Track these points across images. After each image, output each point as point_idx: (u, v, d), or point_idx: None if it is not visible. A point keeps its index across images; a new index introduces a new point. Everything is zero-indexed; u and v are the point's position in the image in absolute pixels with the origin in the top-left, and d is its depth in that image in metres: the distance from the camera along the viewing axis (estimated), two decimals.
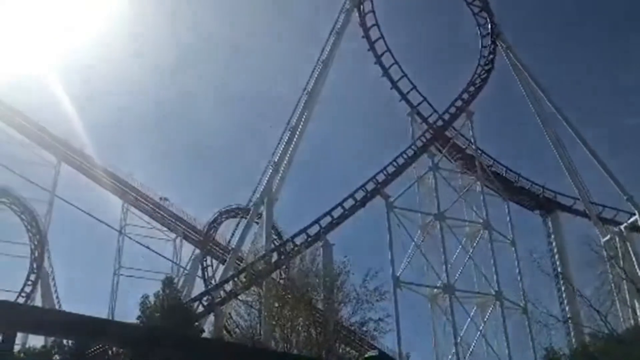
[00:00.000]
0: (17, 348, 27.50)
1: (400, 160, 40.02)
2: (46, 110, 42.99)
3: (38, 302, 39.38)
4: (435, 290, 37.99)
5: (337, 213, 36.33)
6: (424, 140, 41.66)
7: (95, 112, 62.99)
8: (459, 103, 44.06)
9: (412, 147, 41.04)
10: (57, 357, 27.55)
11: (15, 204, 41.65)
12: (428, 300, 38.56)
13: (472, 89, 44.91)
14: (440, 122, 43.06)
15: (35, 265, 40.42)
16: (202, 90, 71.33)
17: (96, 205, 44.08)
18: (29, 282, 39.92)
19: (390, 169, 39.28)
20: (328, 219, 35.89)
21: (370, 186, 38.04)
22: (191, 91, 70.56)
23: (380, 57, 43.49)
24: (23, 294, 39.29)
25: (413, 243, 38.13)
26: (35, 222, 41.52)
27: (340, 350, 29.40)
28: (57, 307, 39.44)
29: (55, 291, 40.61)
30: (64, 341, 26.21)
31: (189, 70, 72.20)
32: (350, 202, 36.99)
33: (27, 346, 28.88)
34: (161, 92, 69.92)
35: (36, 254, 40.77)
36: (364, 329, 28.03)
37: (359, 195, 37.48)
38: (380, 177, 38.62)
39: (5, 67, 44.05)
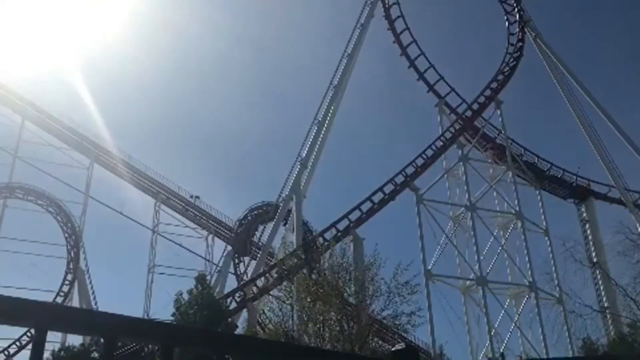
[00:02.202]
0: (56, 346, 28.23)
1: (429, 152, 39.66)
2: (75, 110, 43.84)
3: (75, 300, 40.30)
4: (468, 282, 37.63)
5: (366, 207, 36.21)
6: (453, 131, 41.17)
7: (124, 113, 64.11)
8: (487, 92, 43.42)
9: (441, 138, 40.61)
10: (96, 355, 28.15)
11: (51, 206, 42.63)
12: (461, 292, 38.21)
13: (500, 77, 44.22)
14: (469, 112, 42.50)
15: (71, 265, 41.33)
16: (229, 89, 71.86)
17: (129, 204, 45.02)
18: (67, 282, 40.85)
19: (419, 162, 38.94)
20: (357, 213, 35.80)
21: (399, 179, 37.79)
22: (218, 90, 71.15)
23: (405, 49, 43.13)
24: (61, 293, 40.23)
25: (444, 235, 37.82)
26: (71, 223, 42.45)
27: (374, 344, 29.30)
28: (93, 305, 40.26)
29: (92, 290, 41.42)
30: (102, 339, 26.77)
31: (215, 69, 72.78)
32: (379, 196, 36.81)
33: (66, 345, 29.60)
34: (188, 92, 70.69)
35: (72, 254, 41.69)
36: (397, 322, 27.89)
37: (388, 188, 37.26)
38: (409, 170, 38.31)
39: (31, 66, 45.17)
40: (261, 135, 74.44)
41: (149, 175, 45.65)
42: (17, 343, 36.21)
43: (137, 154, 46.80)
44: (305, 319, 27.67)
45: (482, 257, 37.44)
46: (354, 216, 35.54)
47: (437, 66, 43.23)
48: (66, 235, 42.45)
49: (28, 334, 35.53)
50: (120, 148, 45.14)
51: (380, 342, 30.97)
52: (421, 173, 38.90)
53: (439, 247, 37.24)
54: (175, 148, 66.86)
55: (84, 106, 42.38)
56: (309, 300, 28.16)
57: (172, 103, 70.35)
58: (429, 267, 35.18)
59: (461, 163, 40.12)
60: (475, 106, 42.81)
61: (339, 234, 34.08)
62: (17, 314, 1.73)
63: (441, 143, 40.39)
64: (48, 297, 39.21)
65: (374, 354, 26.03)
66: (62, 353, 28.74)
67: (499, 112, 43.31)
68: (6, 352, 35.96)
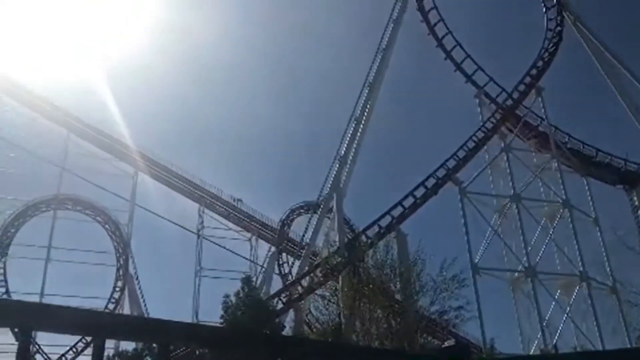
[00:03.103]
0: (111, 352, 28.95)
1: (471, 144, 39.01)
2: (106, 120, 44.74)
3: (126, 306, 41.26)
4: (517, 274, 36.88)
5: (408, 202, 35.90)
6: (494, 121, 40.41)
7: (162, 117, 65.27)
8: (527, 80, 42.49)
9: (482, 129, 39.93)
10: (148, 359, 28.73)
11: (99, 216, 43.76)
12: (509, 285, 37.46)
13: (540, 64, 43.20)
14: (509, 102, 41.66)
15: (121, 272, 42.33)
16: (263, 90, 72.31)
17: (173, 210, 45.84)
18: (117, 289, 41.86)
19: (461, 154, 38.36)
20: (399, 209, 35.53)
21: (441, 173, 37.32)
22: (251, 90, 71.73)
23: (441, 40, 42.61)
24: (112, 300, 41.25)
25: (490, 227, 37.19)
26: (119, 231, 43.49)
27: (422, 340, 29.06)
28: (144, 310, 41.13)
29: (142, 295, 42.34)
30: (153, 345, 27.32)
31: (246, 70, 73.22)
32: (421, 191, 36.44)
33: (119, 350, 30.31)
34: (221, 93, 71.44)
35: (121, 261, 42.70)
36: (445, 317, 27.62)
37: (430, 182, 36.86)
38: (451, 163, 37.77)
39: (61, 77, 46.46)
40: (299, 136, 74.65)
41: (191, 180, 46.43)
42: (74, 349, 37.28)
43: (179, 160, 47.50)
44: (352, 317, 27.66)
45: (529, 248, 36.69)
46: (397, 212, 35.28)
47: (474, 56, 42.60)
48: (115, 243, 43.52)
49: (83, 340, 36.58)
50: (161, 156, 46.06)
51: (429, 339, 30.65)
52: (463, 165, 38.31)
53: (484, 239, 36.65)
54: (214, 154, 67.72)
55: (111, 115, 43.40)
56: (354, 298, 28.15)
57: (206, 110, 71.19)
58: (476, 261, 34.64)
59: (504, 153, 39.40)
60: (515, 94, 41.92)
61: (382, 230, 33.91)
62: (78, 324, 1.74)
63: (482, 134, 39.71)
64: (100, 304, 40.29)
65: (423, 350, 25.82)
66: (116, 359, 29.46)
67: (540, 99, 42.32)
68: (63, 359, 37.10)
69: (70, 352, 37.28)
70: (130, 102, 61.67)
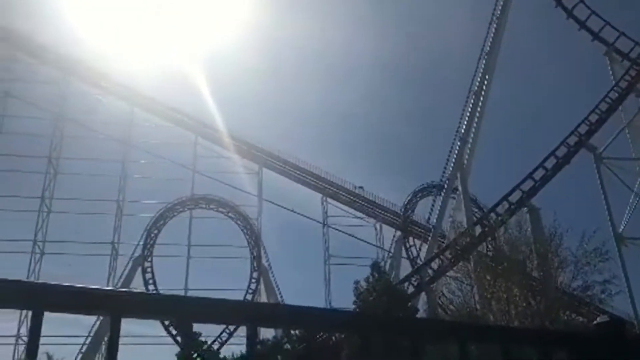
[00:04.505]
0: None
1: (604, 106, 36.18)
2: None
3: (263, 296, 43.11)
4: None
5: (538, 175, 34.07)
6: (629, 78, 37.14)
7: (278, 110, 67.09)
8: None
9: (616, 88, 36.86)
10: (288, 346, 29.82)
11: (231, 212, 46.00)
12: None
13: None
14: None
15: (255, 264, 44.23)
16: (375, 72, 71.88)
17: (298, 202, 47.13)
18: (253, 280, 43.80)
19: (593, 118, 35.70)
20: (530, 182, 33.82)
21: (572, 140, 35.00)
22: (363, 74, 71.48)
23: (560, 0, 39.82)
24: (250, 291, 43.28)
25: (633, 193, 34.34)
26: (250, 225, 45.44)
27: (565, 318, 27.53)
28: (279, 298, 42.72)
29: (276, 285, 43.97)
30: (292, 331, 28.30)
31: (349, 61, 73.00)
32: (552, 161, 34.42)
33: (260, 338, 31.70)
34: (331, 81, 71.92)
35: (254, 254, 44.59)
36: (589, 293, 25.96)
37: (561, 151, 34.69)
38: (583, 129, 35.29)
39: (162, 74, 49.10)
40: (415, 117, 73.46)
41: (313, 172, 47.48)
42: (219, 339, 39.59)
43: (299, 153, 48.82)
44: (488, 297, 26.83)
45: None
46: (527, 186, 33.63)
47: (599, 12, 39.31)
48: (247, 237, 45.55)
49: (227, 330, 38.72)
50: (280, 149, 47.57)
51: (573, 316, 28.98)
52: (597, 130, 35.66)
53: (628, 207, 33.93)
54: (330, 144, 68.62)
55: (208, 108, 45.34)
56: (488, 278, 27.28)
57: (324, 99, 72.14)
58: (620, 231, 32.19)
59: None
60: None
61: (512, 206, 32.52)
62: (229, 314, 1.75)
63: (616, 94, 36.67)
64: (239, 296, 42.39)
65: (567, 328, 24.45)
66: (258, 346, 30.86)
67: None
68: (211, 349, 39.51)
69: (216, 342, 39.57)
70: (247, 101, 64.06)
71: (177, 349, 37.32)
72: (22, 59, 44.66)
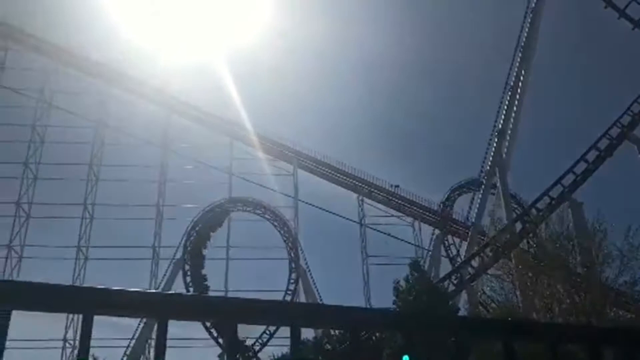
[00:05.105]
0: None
1: None
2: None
3: (302, 297, 43.21)
4: None
5: (580, 169, 33.29)
6: None
7: (309, 111, 67.23)
8: None
9: None
10: (328, 346, 29.84)
11: (267, 213, 46.28)
12: None
13: None
14: None
15: (293, 265, 44.38)
16: (405, 70, 71.31)
17: (334, 201, 47.13)
18: (292, 281, 43.96)
19: (636, 108, 34.68)
20: (571, 176, 33.08)
21: (614, 132, 34.07)
22: (395, 70, 70.93)
23: None
24: (289, 292, 43.45)
25: None
26: (287, 226, 45.61)
27: (612, 314, 26.83)
28: (318, 300, 42.77)
29: (315, 285, 44.02)
30: (331, 331, 28.32)
31: (383, 52, 72.34)
32: (593, 154, 33.59)
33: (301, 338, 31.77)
34: (360, 82, 71.55)
35: (292, 255, 44.73)
36: (637, 288, 25.29)
37: (603, 144, 33.82)
38: (626, 120, 34.32)
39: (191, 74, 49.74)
40: (449, 111, 72.53)
41: (347, 172, 47.44)
42: (259, 341, 39.90)
43: (330, 155, 48.81)
44: (530, 294, 26.37)
45: None
46: (568, 180, 32.90)
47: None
48: (284, 238, 45.74)
49: (267, 331, 38.98)
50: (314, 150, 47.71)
51: (620, 312, 28.22)
52: None
53: None
54: (363, 143, 68.32)
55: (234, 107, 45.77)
56: (530, 275, 26.81)
57: (355, 98, 71.90)
58: None
59: None
60: None
61: (554, 201, 31.87)
62: (274, 314, 1.76)
63: None
64: (278, 297, 42.59)
65: (615, 325, 23.82)
66: (300, 346, 30.93)
67: None
68: (252, 351, 39.84)
69: (257, 343, 39.87)
70: (279, 103, 64.32)
71: (218, 350, 37.83)
72: (63, 70, 45.97)
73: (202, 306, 1.56)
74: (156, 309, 1.50)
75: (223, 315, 1.58)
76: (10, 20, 45.73)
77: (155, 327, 1.48)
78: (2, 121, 44.14)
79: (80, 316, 1.48)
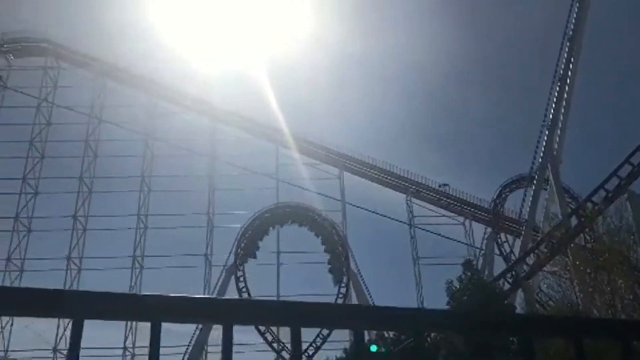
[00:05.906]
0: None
1: None
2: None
3: (353, 300, 43.05)
4: None
5: (637, 159, 32.03)
6: None
7: (351, 114, 67.10)
8: None
9: None
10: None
11: (316, 218, 46.37)
12: None
13: None
14: None
15: (343, 269, 44.23)
16: (451, 67, 70.33)
17: (382, 203, 46.83)
18: (342, 284, 43.85)
19: None
20: (627, 167, 31.85)
21: None
22: (433, 72, 70.11)
23: None
24: (340, 295, 43.37)
25: None
26: (335, 230, 45.54)
27: None
28: (370, 303, 42.51)
29: (366, 289, 43.78)
30: (385, 333, 28.11)
31: (423, 53, 71.65)
32: None
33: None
34: (402, 83, 70.97)
35: (342, 259, 44.59)
36: None
37: None
38: None
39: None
40: (495, 106, 71.11)
41: (394, 172, 47.06)
42: (313, 345, 39.91)
43: (375, 156, 48.57)
44: (590, 291, 25.51)
45: None
46: (625, 172, 31.69)
47: None
48: (331, 244, 45.67)
49: (321, 335, 38.97)
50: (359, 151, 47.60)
51: None
52: None
53: None
54: (410, 143, 67.75)
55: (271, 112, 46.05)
56: (588, 271, 25.97)
57: (402, 99, 71.43)
58: None
59: None
60: None
61: (610, 194, 30.77)
62: (337, 318, 1.72)
63: None
64: (330, 301, 42.59)
65: None
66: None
67: None
68: (306, 354, 39.95)
69: (311, 347, 39.95)
70: (322, 107, 64.49)
71: (273, 355, 38.09)
72: (110, 85, 47.48)
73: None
74: (222, 315, 1.47)
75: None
76: (54, 38, 47.66)
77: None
78: (58, 138, 45.94)
79: (146, 324, 1.47)
